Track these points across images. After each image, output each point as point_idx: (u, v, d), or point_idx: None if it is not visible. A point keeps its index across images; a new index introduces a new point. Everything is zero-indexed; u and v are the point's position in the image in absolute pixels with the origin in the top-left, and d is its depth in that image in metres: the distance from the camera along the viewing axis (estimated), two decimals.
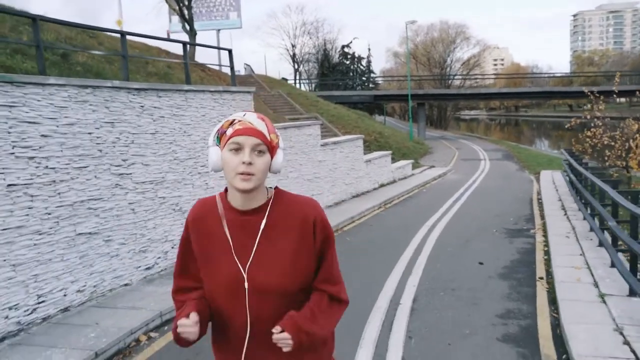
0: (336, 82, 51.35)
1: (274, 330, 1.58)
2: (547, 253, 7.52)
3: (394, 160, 18.33)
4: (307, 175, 10.81)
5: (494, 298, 5.68)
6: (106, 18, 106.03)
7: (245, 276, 1.63)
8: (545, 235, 8.64)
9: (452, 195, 13.69)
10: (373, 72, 61.45)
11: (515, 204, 12.14)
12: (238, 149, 1.59)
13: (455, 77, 60.16)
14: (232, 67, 9.31)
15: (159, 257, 6.67)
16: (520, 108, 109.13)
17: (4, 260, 4.58)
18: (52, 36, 10.80)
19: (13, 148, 4.70)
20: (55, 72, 8.42)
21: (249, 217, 1.66)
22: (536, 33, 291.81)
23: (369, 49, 70.65)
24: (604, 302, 5.10)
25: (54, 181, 5.14)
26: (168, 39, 11.13)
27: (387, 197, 12.89)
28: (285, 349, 1.59)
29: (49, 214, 5.07)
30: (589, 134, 14.03)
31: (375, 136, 24.32)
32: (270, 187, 1.73)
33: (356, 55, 58.41)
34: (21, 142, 4.78)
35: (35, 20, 5.43)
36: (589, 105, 14.75)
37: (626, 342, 4.12)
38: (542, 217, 10.36)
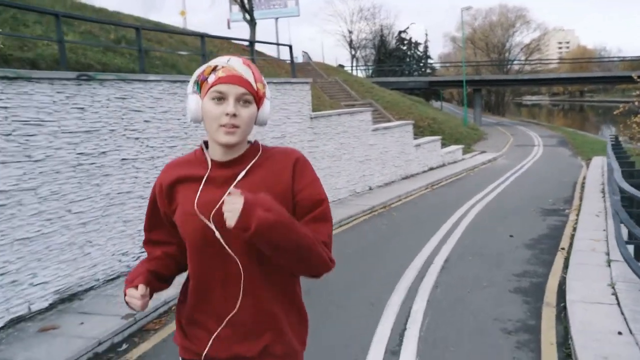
0: (392, 68, 51.76)
1: (232, 190, 1.39)
2: (575, 229, 8.27)
3: (445, 145, 19.08)
4: (359, 158, 11.87)
5: (515, 262, 6.59)
6: (167, 7, 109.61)
7: (210, 222, 1.49)
8: (578, 215, 9.33)
9: (498, 178, 14.39)
10: (430, 58, 61.36)
11: (558, 187, 12.73)
12: (221, 98, 1.46)
13: (514, 63, 59.13)
14: (292, 61, 10.49)
15: None
16: (586, 93, 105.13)
17: (118, 217, 5.94)
18: (131, 33, 12.33)
19: (125, 131, 6.02)
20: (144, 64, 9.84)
21: (230, 168, 1.54)
22: (605, 13, 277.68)
23: (426, 34, 70.69)
24: (609, 266, 5.92)
25: (152, 157, 6.45)
26: (242, 39, 12.38)
27: (434, 179, 13.78)
28: (229, 220, 1.34)
29: (149, 182, 6.39)
30: (637, 119, 14.31)
31: (429, 122, 24.99)
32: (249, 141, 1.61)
33: (413, 40, 58.56)
34: (130, 126, 6.10)
35: (138, 30, 6.76)
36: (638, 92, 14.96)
37: (614, 293, 4.98)
38: (581, 199, 10.98)
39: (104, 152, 5.75)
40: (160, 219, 1.66)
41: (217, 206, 1.47)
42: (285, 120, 9.36)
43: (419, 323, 4.69)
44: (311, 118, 10.14)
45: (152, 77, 6.45)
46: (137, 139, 6.21)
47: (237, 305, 1.53)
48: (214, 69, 1.48)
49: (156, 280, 1.65)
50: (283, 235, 1.39)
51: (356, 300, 5.35)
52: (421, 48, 59.19)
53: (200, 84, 1.51)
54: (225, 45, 19.92)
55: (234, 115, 1.45)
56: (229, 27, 34.52)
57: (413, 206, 10.76)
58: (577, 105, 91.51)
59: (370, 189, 12.28)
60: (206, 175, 1.53)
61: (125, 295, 1.59)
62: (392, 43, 58.97)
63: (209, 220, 1.49)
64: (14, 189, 4.71)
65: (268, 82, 7.01)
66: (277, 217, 1.37)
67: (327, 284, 5.80)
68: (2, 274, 4.59)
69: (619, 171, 6.26)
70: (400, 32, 58.20)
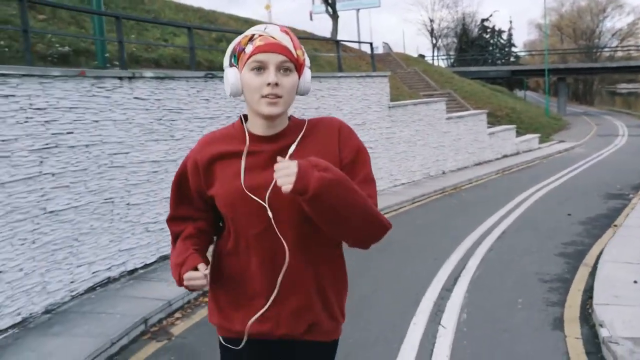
0: (474, 57, 51.29)
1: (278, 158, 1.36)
2: (633, 210, 8.94)
3: (521, 134, 19.54)
4: (433, 144, 12.90)
5: (567, 235, 7.47)
6: (250, 3, 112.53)
7: (266, 203, 1.46)
8: None
9: (570, 166, 14.86)
10: (514, 46, 60.01)
11: (630, 175, 13.07)
12: (261, 67, 1.40)
13: (604, 49, 56.55)
14: (372, 56, 11.73)
15: None
16: None
17: None
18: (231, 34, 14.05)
19: (236, 117, 7.52)
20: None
21: (273, 143, 1.51)
22: None
23: (510, 22, 68.90)
24: None
25: None
26: (329, 39, 13.68)
27: (506, 166, 14.52)
28: (284, 186, 1.30)
29: None
30: None
31: (507, 112, 25.27)
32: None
33: (496, 28, 57.55)
34: (241, 113, 7.59)
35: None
36: None
37: None
38: None
39: None
40: (188, 194, 1.62)
41: (272, 185, 1.44)
42: (366, 109, 10.60)
43: (471, 273, 5.83)
44: (389, 107, 11.31)
45: None
46: None
47: (279, 285, 1.51)
48: (251, 38, 1.42)
49: (206, 247, 1.65)
50: (341, 195, 1.35)
51: (423, 257, 6.54)
52: (505, 36, 58.07)
53: (237, 56, 1.46)
54: (310, 39, 21.48)
55: (276, 84, 1.40)
56: (311, 19, 35.89)
57: (482, 188, 11.69)
58: None
59: (444, 172, 13.29)
60: (245, 151, 1.50)
61: (179, 279, 1.51)
62: (475, 31, 58.24)
63: (263, 200, 1.46)
64: (163, 160, 6.30)
65: (351, 77, 8.53)
66: (334, 176, 1.34)
67: (400, 245, 7.03)
68: (154, 222, 6.21)
69: None
70: (483, 20, 57.39)
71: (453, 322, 4.51)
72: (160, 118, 6.28)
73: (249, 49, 1.42)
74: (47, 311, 4.79)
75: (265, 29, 1.43)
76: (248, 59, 1.42)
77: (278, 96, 1.42)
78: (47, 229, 4.83)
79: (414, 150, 12.18)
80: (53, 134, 4.90)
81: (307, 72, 1.51)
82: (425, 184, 11.80)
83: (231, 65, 1.49)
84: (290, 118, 1.57)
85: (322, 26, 67.74)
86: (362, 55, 22.94)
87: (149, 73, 6.15)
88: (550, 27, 62.89)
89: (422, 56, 45.91)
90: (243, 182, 1.48)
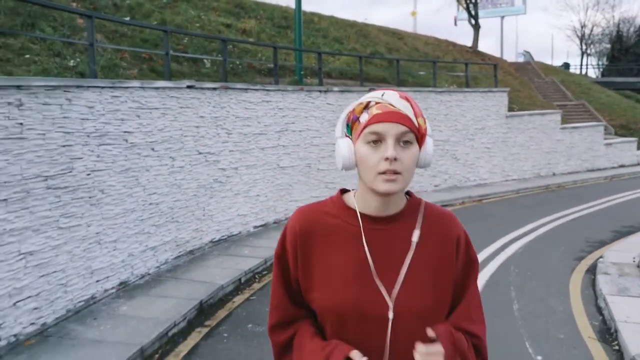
0: (629, 66, 49.49)
1: (430, 334, 1.27)
2: None
3: None
4: (546, 149, 15.23)
5: (631, 222, 9.67)
6: (393, 3, 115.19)
7: (391, 304, 1.28)
8: None
9: None
10: None
11: None
12: (377, 140, 1.24)
13: None
14: (495, 75, 14.41)
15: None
16: None
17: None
18: (381, 47, 17.41)
19: None
20: (390, 72, 14.70)
21: (390, 226, 1.33)
22: None
23: None
24: None
25: None
26: (455, 62, 16.28)
27: (616, 174, 16.26)
28: None
29: None
30: None
31: None
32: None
33: None
34: None
35: (398, 61, 11.56)
36: None
37: None
38: None
39: None
40: (292, 282, 1.39)
41: (401, 283, 1.30)
42: (485, 117, 13.38)
43: (538, 233, 8.62)
44: (506, 117, 13.95)
45: (405, 88, 11.17)
46: None
47: None
48: (366, 105, 1.28)
49: None
50: None
51: (508, 223, 9.36)
52: None
53: (350, 125, 1.32)
54: (451, 48, 24.15)
55: (395, 159, 1.23)
56: (455, 24, 37.92)
57: (583, 188, 13.87)
58: None
59: (554, 174, 15.52)
60: (363, 235, 1.32)
61: None
62: (632, 38, 55.75)
63: (389, 295, 1.29)
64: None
65: (475, 92, 12.24)
66: None
67: (496, 216, 9.85)
68: (332, 182, 9.74)
69: None
70: None
71: (511, 252, 7.47)
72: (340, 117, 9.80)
73: (364, 118, 1.27)
74: (275, 222, 8.55)
75: (382, 95, 1.29)
76: (363, 129, 1.26)
77: (397, 172, 1.24)
78: (278, 176, 8.58)
79: (526, 153, 14.66)
80: (285, 123, 8.64)
81: (429, 142, 1.32)
82: (533, 181, 14.26)
83: (345, 135, 1.33)
84: (409, 196, 1.40)
85: (466, 31, 68.81)
86: (501, 64, 24.95)
87: (335, 88, 9.73)
88: None
89: (566, 65, 45.74)
90: (373, 269, 1.30)
